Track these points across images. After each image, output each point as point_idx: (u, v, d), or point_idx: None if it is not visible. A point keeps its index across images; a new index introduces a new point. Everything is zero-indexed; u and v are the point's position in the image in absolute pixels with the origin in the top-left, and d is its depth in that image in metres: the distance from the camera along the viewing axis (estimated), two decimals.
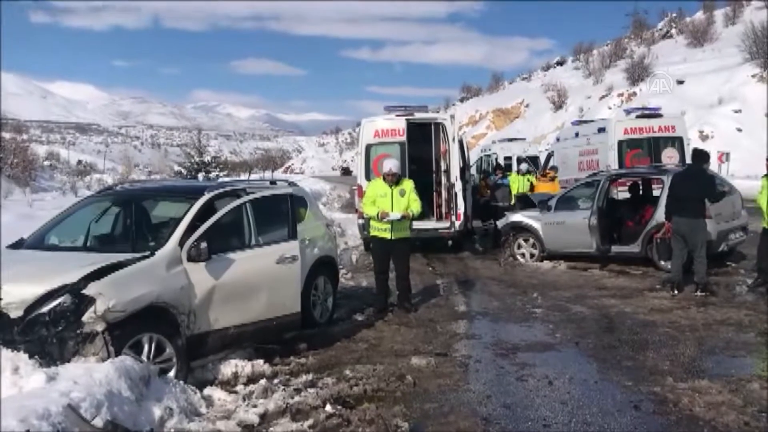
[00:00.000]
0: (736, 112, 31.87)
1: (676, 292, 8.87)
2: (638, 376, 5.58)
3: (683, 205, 8.87)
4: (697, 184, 8.88)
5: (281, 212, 6.80)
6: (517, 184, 15.61)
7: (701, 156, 9.18)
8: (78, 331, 4.70)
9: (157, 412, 4.45)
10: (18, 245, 6.17)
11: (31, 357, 4.45)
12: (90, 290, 4.78)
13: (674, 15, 60.89)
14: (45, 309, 4.71)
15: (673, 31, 58.26)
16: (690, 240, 8.84)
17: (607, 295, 9.04)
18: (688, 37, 51.57)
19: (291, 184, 7.71)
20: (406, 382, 5.51)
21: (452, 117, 14.24)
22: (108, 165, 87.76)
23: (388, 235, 8.32)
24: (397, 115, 13.43)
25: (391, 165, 8.44)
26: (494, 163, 20.64)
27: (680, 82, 37.51)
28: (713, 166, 15.28)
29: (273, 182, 7.64)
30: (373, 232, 8.54)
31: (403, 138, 13.17)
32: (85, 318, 4.71)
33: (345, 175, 64.61)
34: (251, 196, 6.53)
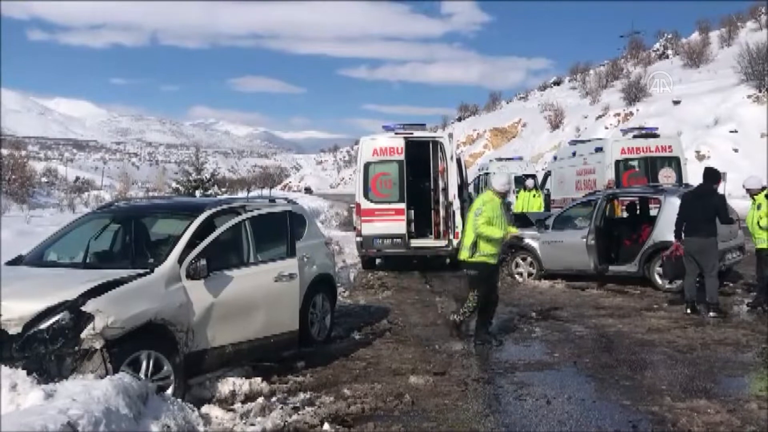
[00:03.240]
0: (732, 132, 32.03)
1: (689, 311, 8.85)
2: (636, 396, 5.58)
3: (694, 225, 8.80)
4: (708, 203, 8.81)
5: (280, 230, 6.83)
6: (522, 201, 15.68)
7: (713, 175, 9.06)
8: (76, 348, 4.70)
9: (155, 429, 4.44)
10: (17, 262, 6.18)
11: (29, 374, 4.44)
12: (89, 307, 4.78)
13: (670, 36, 61.45)
14: (43, 326, 4.71)
15: (669, 51, 58.74)
16: (701, 260, 8.79)
17: (605, 315, 9.03)
18: (683, 58, 51.95)
19: (290, 201, 7.73)
20: (404, 401, 5.49)
21: (450, 136, 14.33)
22: (106, 182, 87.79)
23: (494, 261, 7.69)
24: (396, 134, 13.53)
25: (507, 182, 7.82)
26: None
27: (676, 103, 37.75)
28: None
29: (272, 200, 7.66)
30: (480, 258, 7.51)
31: (402, 156, 13.27)
32: (83, 335, 4.71)
33: (307, 193, 67.72)
34: (250, 214, 6.56)
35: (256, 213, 6.66)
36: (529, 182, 16.91)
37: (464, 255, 7.65)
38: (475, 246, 7.49)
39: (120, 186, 54.15)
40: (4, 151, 41.11)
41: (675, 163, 14.90)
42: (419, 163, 13.93)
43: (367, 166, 13.44)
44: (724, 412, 5.11)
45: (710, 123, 33.77)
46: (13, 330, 4.70)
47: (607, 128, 39.70)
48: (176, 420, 4.67)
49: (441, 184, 13.60)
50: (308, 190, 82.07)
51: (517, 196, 16.98)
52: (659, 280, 10.59)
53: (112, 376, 4.56)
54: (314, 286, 7.44)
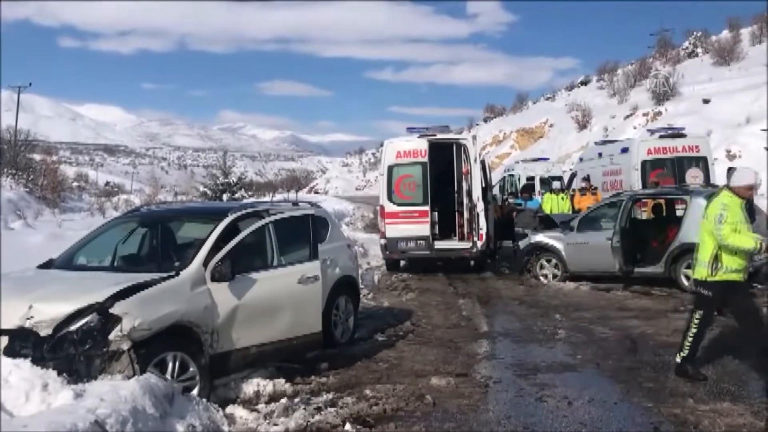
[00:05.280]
0: (763, 130, 31.45)
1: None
2: (659, 398, 5.56)
3: None
4: None
5: (303, 233, 6.92)
6: (550, 203, 15.65)
7: None
8: (104, 350, 4.81)
9: (181, 429, 4.54)
10: (48, 265, 6.33)
11: (59, 374, 4.55)
12: (116, 309, 4.90)
13: (699, 34, 60.49)
14: (73, 327, 4.83)
15: (699, 50, 57.85)
16: None
17: (629, 316, 8.98)
18: (713, 56, 51.11)
19: (313, 205, 7.82)
20: (425, 402, 5.53)
21: (474, 138, 14.36)
22: (135, 186, 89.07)
23: (740, 277, 6.03)
24: (420, 136, 13.59)
25: (753, 177, 6.06)
26: (517, 184, 20.64)
27: (706, 102, 37.18)
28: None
29: (295, 203, 7.76)
30: (723, 276, 5.93)
31: (425, 159, 13.31)
32: (111, 336, 4.82)
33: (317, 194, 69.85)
34: (274, 217, 6.66)
35: (279, 216, 6.76)
36: (556, 184, 16.88)
37: (703, 273, 6.02)
38: (716, 260, 5.92)
39: (149, 190, 54.81)
40: (37, 157, 41.98)
41: (703, 163, 14.71)
42: (443, 165, 13.96)
43: (390, 168, 13.51)
44: (747, 415, 5.08)
45: (741, 122, 33.19)
46: (45, 331, 4.82)
47: (635, 128, 39.17)
48: (201, 420, 4.78)
49: (465, 187, 13.62)
50: (317, 193, 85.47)
51: (543, 199, 16.93)
52: (685, 282, 10.49)
53: (139, 377, 4.67)
54: (337, 289, 7.52)
